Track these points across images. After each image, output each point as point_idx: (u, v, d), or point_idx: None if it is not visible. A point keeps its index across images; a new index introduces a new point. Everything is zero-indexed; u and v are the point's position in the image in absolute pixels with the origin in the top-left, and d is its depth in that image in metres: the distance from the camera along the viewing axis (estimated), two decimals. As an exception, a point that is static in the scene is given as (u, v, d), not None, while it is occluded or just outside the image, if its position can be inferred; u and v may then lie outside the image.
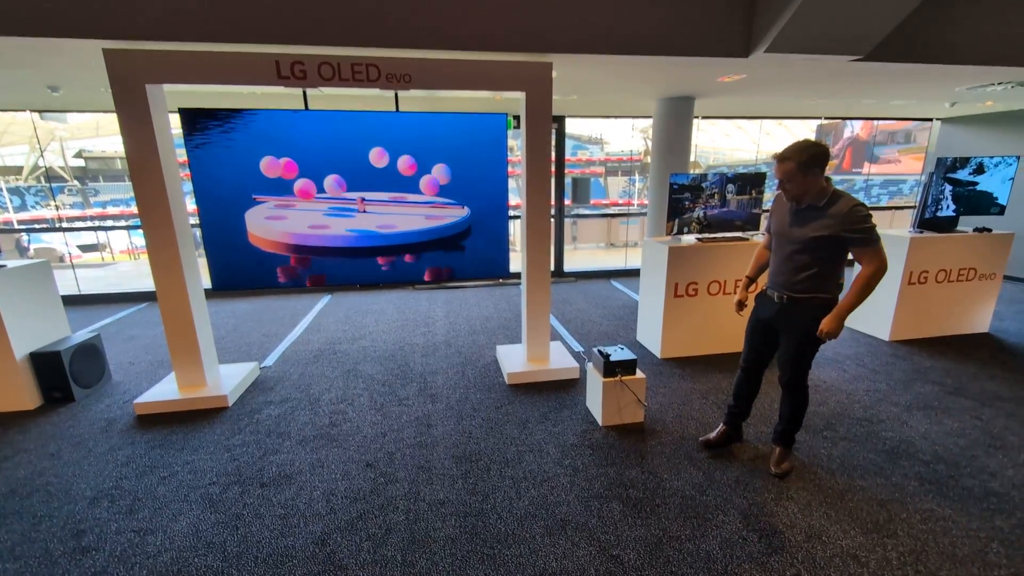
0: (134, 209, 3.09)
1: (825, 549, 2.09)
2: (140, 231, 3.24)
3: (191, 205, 3.36)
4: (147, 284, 6.45)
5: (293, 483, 2.57)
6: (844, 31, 3.21)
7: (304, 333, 4.92)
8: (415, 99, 5.30)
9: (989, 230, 4.43)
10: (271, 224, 3.38)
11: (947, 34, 3.64)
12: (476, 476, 2.61)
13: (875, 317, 4.57)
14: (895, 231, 4.48)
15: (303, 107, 3.29)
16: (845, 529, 2.21)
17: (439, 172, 3.49)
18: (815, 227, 2.22)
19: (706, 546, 2.12)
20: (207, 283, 3.46)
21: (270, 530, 2.24)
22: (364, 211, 3.46)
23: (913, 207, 4.70)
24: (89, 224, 15.20)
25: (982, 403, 3.32)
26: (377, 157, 3.38)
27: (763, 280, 2.64)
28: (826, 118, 7.79)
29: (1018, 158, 4.35)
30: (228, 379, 3.58)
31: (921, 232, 4.37)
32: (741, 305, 2.66)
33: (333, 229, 3.46)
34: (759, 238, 4.15)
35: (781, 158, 2.23)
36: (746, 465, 2.67)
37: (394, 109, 3.41)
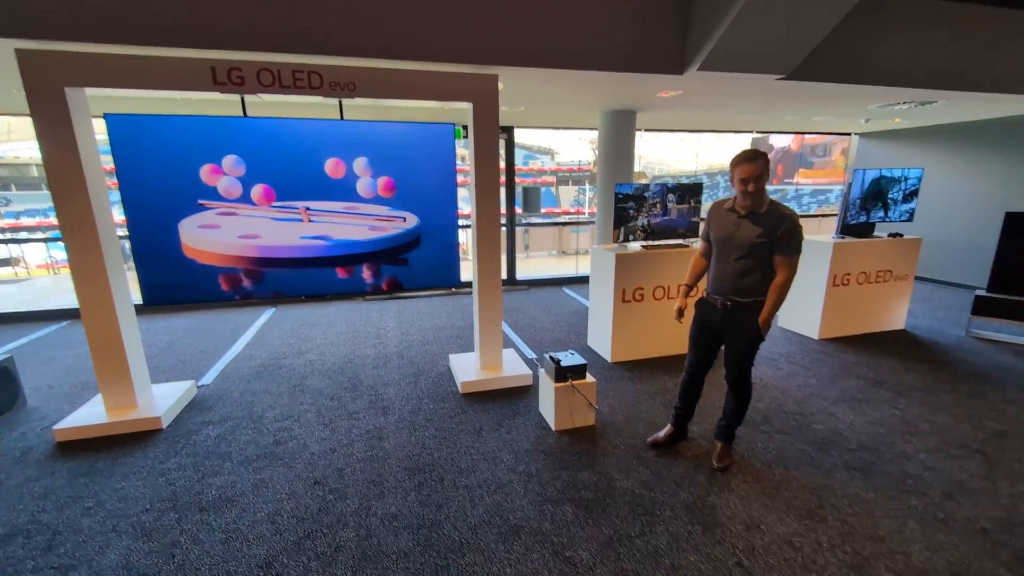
0: (53, 220, 2.86)
1: (763, 537, 2.22)
2: (60, 243, 3.00)
3: (119, 215, 3.16)
4: (69, 301, 5.95)
5: (235, 505, 2.44)
6: (767, 52, 3.47)
7: (246, 348, 4.70)
8: (362, 107, 5.24)
9: (901, 235, 4.87)
10: (208, 235, 3.23)
11: (859, 57, 4.01)
12: (430, 487, 2.59)
13: (805, 317, 4.90)
14: (820, 237, 4.83)
15: (242, 114, 3.17)
16: (781, 517, 2.35)
17: (387, 181, 3.46)
18: (759, 233, 2.35)
19: (654, 541, 2.19)
20: (137, 298, 3.25)
21: (210, 556, 2.12)
22: (308, 221, 3.37)
23: (835, 215, 5.11)
24: (0, 236, 13.87)
25: (899, 394, 3.62)
26: (323, 166, 3.31)
27: (701, 288, 2.78)
28: (757, 131, 8.32)
29: (922, 170, 4.82)
30: (162, 399, 3.37)
31: (843, 238, 4.75)
32: (681, 312, 2.77)
33: (277, 240, 3.35)
34: (698, 244, 4.37)
35: (751, 159, 2.29)
36: (691, 461, 2.79)
37: (339, 117, 3.35)
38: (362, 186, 3.41)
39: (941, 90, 4.43)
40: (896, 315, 5.09)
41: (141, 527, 2.30)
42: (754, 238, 2.37)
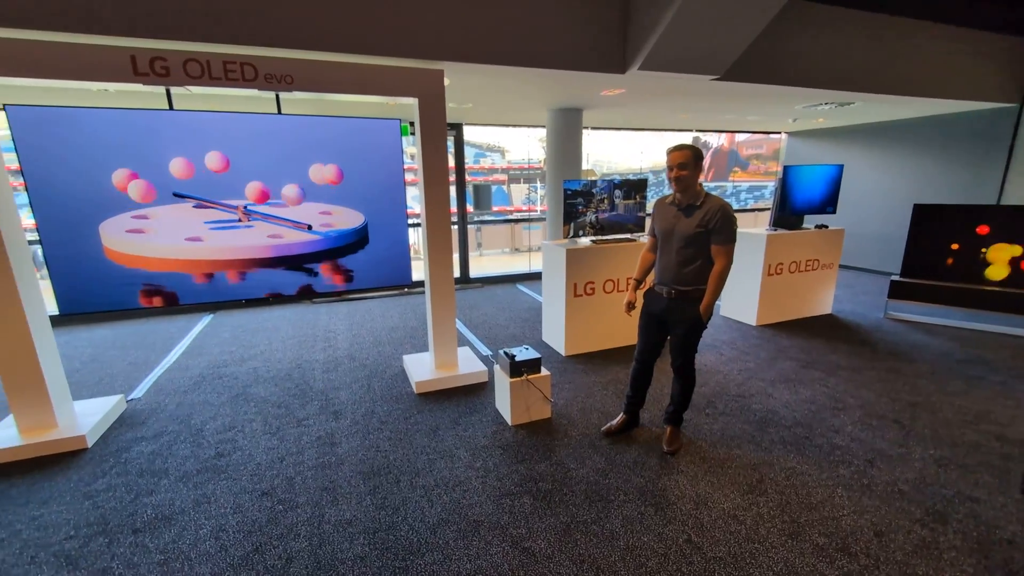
0: (-53, 223, 2.59)
1: (710, 513, 2.33)
2: (-43, 250, 2.69)
3: (28, 219, 2.88)
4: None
5: (174, 524, 2.29)
6: (701, 53, 3.64)
7: (181, 358, 4.41)
8: (303, 102, 5.04)
9: (826, 227, 5.25)
10: (135, 237, 3.00)
11: (783, 60, 4.29)
12: (385, 490, 2.53)
13: (743, 305, 5.19)
14: (755, 230, 5.13)
15: (167, 107, 2.97)
16: (726, 493, 2.47)
17: (330, 178, 3.35)
18: (696, 223, 2.48)
19: (610, 525, 2.25)
20: (53, 308, 2.98)
21: (145, 581, 1.98)
22: (247, 221, 3.20)
23: (769, 209, 5.44)
24: None
25: (828, 373, 3.91)
26: (259, 164, 3.15)
27: (649, 280, 2.88)
28: (696, 130, 8.71)
29: (841, 166, 5.21)
30: (86, 417, 3.10)
31: (776, 230, 5.06)
32: (631, 306, 2.85)
33: (212, 241, 3.16)
34: (645, 238, 4.52)
35: (679, 148, 2.46)
36: (643, 447, 2.89)
37: (276, 111, 3.21)
38: (308, 184, 3.28)
39: (857, 92, 4.82)
40: (824, 300, 5.48)
41: (65, 556, 2.11)
42: (692, 229, 2.49)
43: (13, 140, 2.67)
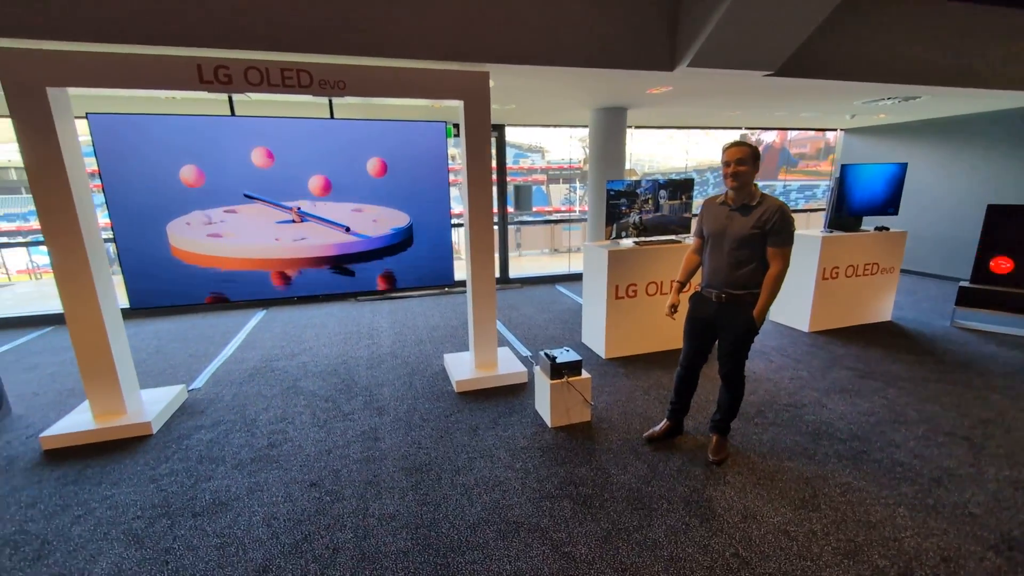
0: (35, 224, 2.80)
1: (759, 527, 2.24)
2: (43, 248, 2.93)
3: (104, 218, 3.10)
4: (52, 306, 5.84)
5: (229, 510, 2.42)
6: (755, 49, 3.51)
7: (237, 351, 4.64)
8: (352, 106, 5.20)
9: (887, 229, 4.95)
10: (197, 237, 3.18)
11: (844, 54, 4.07)
12: (427, 486, 2.58)
13: (795, 311, 4.96)
14: (809, 231, 4.90)
15: (229, 113, 3.13)
16: (776, 507, 2.37)
17: (377, 181, 3.43)
18: (751, 224, 2.38)
19: (652, 534, 2.21)
20: (124, 302, 3.20)
21: (205, 562, 2.09)
22: (300, 222, 3.33)
23: (824, 209, 5.19)
24: (-21, 242, 13.54)
25: (887, 384, 3.68)
26: (311, 167, 3.28)
27: (694, 283, 2.80)
28: (746, 128, 8.40)
29: (904, 165, 4.90)
30: (152, 404, 3.32)
31: (831, 232, 4.81)
32: (674, 309, 2.75)
33: (268, 241, 3.31)
34: (690, 240, 4.40)
35: (737, 144, 2.38)
36: (687, 455, 2.81)
37: (328, 116, 3.32)
38: (357, 186, 3.38)
39: (924, 85, 4.51)
40: (883, 307, 5.17)
41: (133, 534, 2.26)
42: (747, 230, 2.39)
43: (93, 145, 2.88)
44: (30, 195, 2.75)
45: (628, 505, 2.40)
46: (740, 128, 8.40)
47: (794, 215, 2.50)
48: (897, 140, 7.64)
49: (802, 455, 2.80)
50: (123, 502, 2.49)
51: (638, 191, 4.19)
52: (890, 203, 4.92)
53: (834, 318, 4.95)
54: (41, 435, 2.98)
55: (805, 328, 4.89)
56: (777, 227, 2.35)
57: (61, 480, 2.67)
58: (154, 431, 3.15)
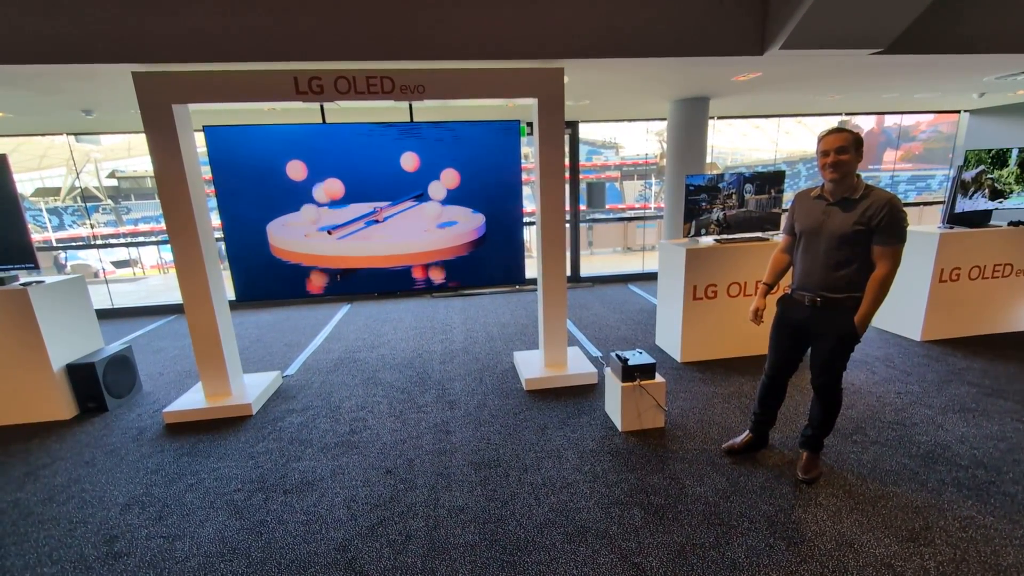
0: (163, 225, 3.21)
1: (857, 558, 2.02)
2: (169, 246, 3.35)
3: (216, 220, 3.47)
4: (175, 297, 6.65)
5: (315, 490, 2.60)
6: (862, 24, 3.14)
7: (324, 342, 5.00)
8: (428, 109, 5.38)
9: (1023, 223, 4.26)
10: (293, 236, 3.46)
11: (970, 23, 3.53)
12: (495, 482, 2.61)
13: (905, 317, 4.42)
14: (923, 228, 4.34)
15: (321, 121, 3.36)
16: (878, 537, 2.13)
17: (453, 181, 3.53)
18: (854, 220, 2.14)
19: (731, 553, 2.07)
20: (231, 295, 3.56)
21: (292, 536, 2.27)
22: (382, 220, 3.51)
23: (942, 202, 4.55)
24: (122, 241, 15.80)
25: (1023, 404, 3.17)
26: (393, 168, 3.43)
27: (783, 285, 2.57)
28: (847, 113, 7.62)
29: (1053, 148, 4.17)
30: (252, 388, 3.66)
31: (951, 228, 4.22)
32: (758, 314, 2.56)
33: (353, 240, 3.52)
34: (779, 237, 4.07)
35: (837, 130, 2.14)
36: (772, 471, 2.60)
37: (408, 120, 3.46)
38: (434, 186, 3.50)
39: (1080, 54, 3.80)
40: (1017, 314, 4.45)
41: (234, 505, 2.51)
42: (848, 227, 2.15)
43: (208, 155, 3.24)
44: (159, 199, 3.14)
45: (704, 520, 2.27)
46: (840, 114, 7.63)
47: (907, 208, 2.21)
48: (1041, 121, 6.54)
49: (911, 480, 2.48)
50: (227, 475, 2.77)
51: (720, 185, 3.95)
52: (1030, 194, 4.21)
53: (954, 326, 4.34)
54: (164, 410, 3.40)
55: (917, 336, 4.33)
56: (887, 223, 2.09)
57: (178, 451, 3.03)
58: (254, 412, 3.47)
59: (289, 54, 2.99)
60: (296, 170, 3.34)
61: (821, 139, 2.18)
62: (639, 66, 3.65)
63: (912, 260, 4.25)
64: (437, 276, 3.71)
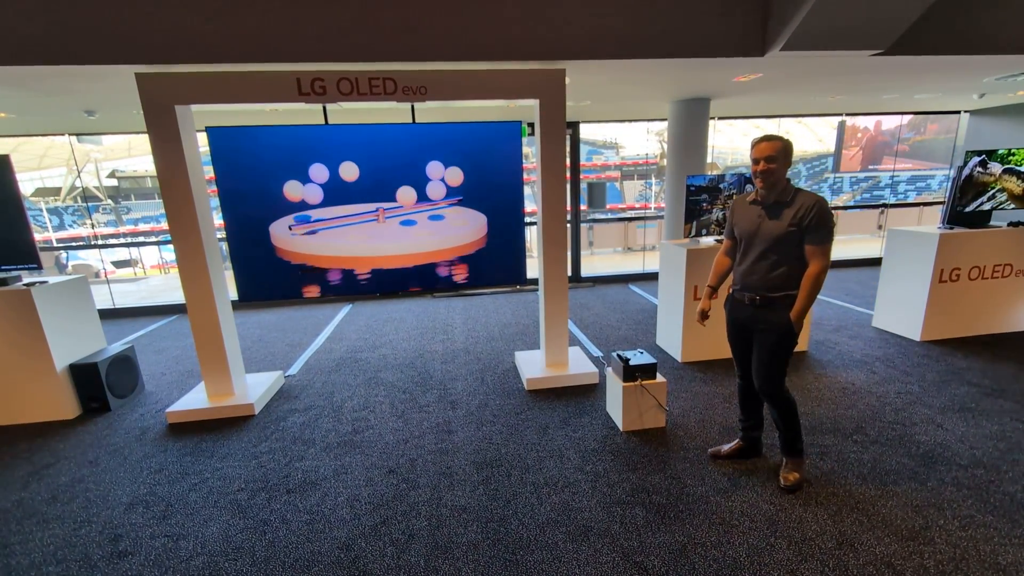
0: (164, 225, 3.22)
1: (858, 556, 2.03)
2: (170, 246, 3.36)
3: (218, 220, 3.48)
4: (176, 297, 6.66)
5: (318, 489, 2.62)
6: (863, 25, 3.16)
7: (326, 342, 5.02)
8: (430, 110, 5.39)
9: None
10: (295, 237, 3.47)
11: (970, 23, 3.54)
12: (497, 482, 2.62)
13: (905, 316, 4.43)
14: (923, 228, 4.35)
15: (323, 122, 3.38)
16: (879, 536, 2.14)
17: (455, 181, 3.54)
18: (788, 222, 2.22)
19: (732, 553, 2.08)
20: (233, 295, 3.57)
21: (296, 535, 2.28)
22: (383, 221, 3.52)
23: (941, 203, 4.56)
24: (122, 241, 15.82)
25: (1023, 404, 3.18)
26: (394, 169, 3.44)
27: (725, 286, 2.62)
28: (847, 114, 7.63)
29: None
30: (255, 388, 3.67)
31: (951, 228, 4.24)
32: (704, 314, 2.62)
33: (356, 240, 3.54)
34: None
35: (767, 139, 2.23)
36: (773, 471, 2.61)
37: (410, 121, 3.47)
38: (436, 188, 3.52)
39: (1080, 55, 3.81)
40: (1017, 315, 4.47)
41: (237, 505, 2.52)
42: (783, 229, 2.23)
43: (211, 155, 3.25)
44: (162, 200, 3.15)
45: (705, 519, 2.28)
46: (839, 115, 7.65)
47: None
48: (1041, 121, 6.56)
49: (911, 480, 2.50)
50: (230, 475, 2.78)
51: (721, 186, 3.96)
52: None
53: (953, 326, 4.36)
54: (167, 410, 3.41)
55: (916, 336, 4.35)
56: (816, 223, 2.17)
57: (181, 451, 3.04)
58: (256, 412, 3.48)
59: (292, 55, 3.00)
60: (298, 170, 3.35)
61: (752, 147, 2.28)
62: (641, 67, 3.66)
63: (913, 260, 4.27)
64: (439, 276, 3.72)
